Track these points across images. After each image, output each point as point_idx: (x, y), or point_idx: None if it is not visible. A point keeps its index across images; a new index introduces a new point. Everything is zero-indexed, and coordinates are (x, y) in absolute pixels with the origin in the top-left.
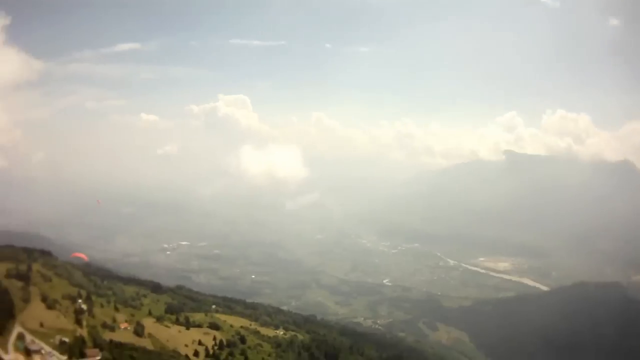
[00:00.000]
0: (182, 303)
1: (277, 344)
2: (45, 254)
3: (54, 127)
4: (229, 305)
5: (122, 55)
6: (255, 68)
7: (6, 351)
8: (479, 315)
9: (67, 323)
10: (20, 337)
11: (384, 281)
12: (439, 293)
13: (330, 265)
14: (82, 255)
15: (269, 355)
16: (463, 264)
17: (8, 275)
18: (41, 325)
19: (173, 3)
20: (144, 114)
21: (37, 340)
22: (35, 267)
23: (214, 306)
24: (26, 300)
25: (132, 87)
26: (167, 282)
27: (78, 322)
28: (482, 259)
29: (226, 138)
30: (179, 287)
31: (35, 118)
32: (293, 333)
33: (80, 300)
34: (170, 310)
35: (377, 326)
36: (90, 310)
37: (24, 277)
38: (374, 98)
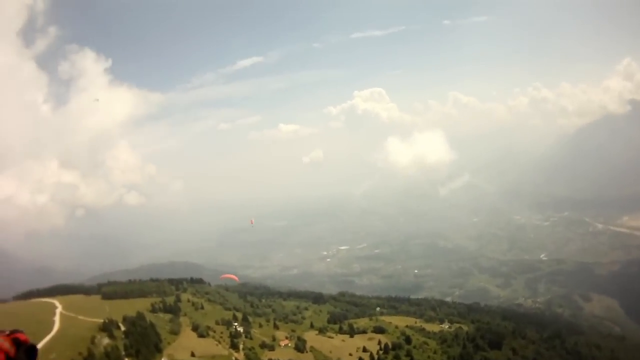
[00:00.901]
0: (345, 310)
1: (442, 339)
2: (195, 281)
3: (188, 154)
4: (393, 304)
5: (245, 72)
6: (382, 58)
7: None
8: (627, 279)
9: (221, 349)
10: None
11: (541, 256)
12: (591, 261)
13: (489, 248)
14: (233, 276)
15: (435, 353)
16: (610, 227)
17: (153, 310)
18: (192, 354)
19: (284, 12)
20: (283, 125)
21: None
22: (185, 297)
23: (378, 308)
24: (175, 332)
25: (263, 100)
26: (330, 289)
27: (234, 346)
28: (626, 218)
29: (369, 133)
30: (342, 294)
31: (166, 149)
32: (458, 325)
33: (235, 324)
34: (332, 319)
35: (537, 305)
36: (247, 332)
37: (172, 309)
38: (501, 67)
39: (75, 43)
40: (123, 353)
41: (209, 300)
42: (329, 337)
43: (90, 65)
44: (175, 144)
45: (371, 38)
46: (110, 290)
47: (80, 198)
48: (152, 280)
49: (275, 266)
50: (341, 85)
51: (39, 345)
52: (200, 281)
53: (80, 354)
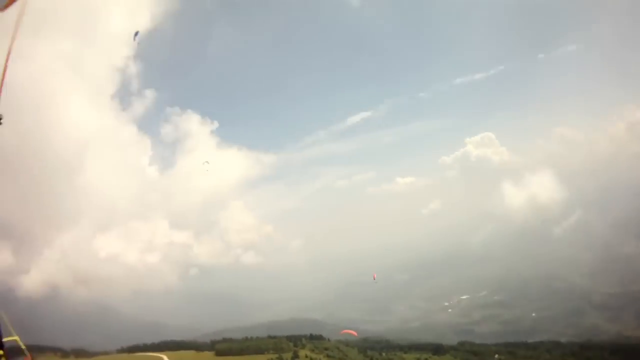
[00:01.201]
0: None
1: None
2: (314, 337)
3: (305, 212)
4: (512, 350)
5: (356, 127)
6: (487, 101)
7: None
8: None
9: None
10: None
11: None
12: None
13: (600, 283)
14: (352, 332)
15: None
16: None
17: None
18: None
19: (389, 65)
20: (400, 178)
21: None
22: (303, 353)
23: (496, 356)
24: None
25: (377, 155)
26: (451, 340)
27: None
28: None
29: (483, 179)
30: (461, 344)
31: (283, 208)
32: None
33: None
34: None
35: None
36: None
37: None
38: (596, 94)
39: (177, 106)
40: None
41: (328, 356)
42: None
43: (195, 128)
44: (292, 202)
45: (474, 82)
46: (225, 347)
47: (194, 258)
48: (269, 337)
49: (396, 319)
50: (452, 132)
51: None
52: (319, 337)
53: None
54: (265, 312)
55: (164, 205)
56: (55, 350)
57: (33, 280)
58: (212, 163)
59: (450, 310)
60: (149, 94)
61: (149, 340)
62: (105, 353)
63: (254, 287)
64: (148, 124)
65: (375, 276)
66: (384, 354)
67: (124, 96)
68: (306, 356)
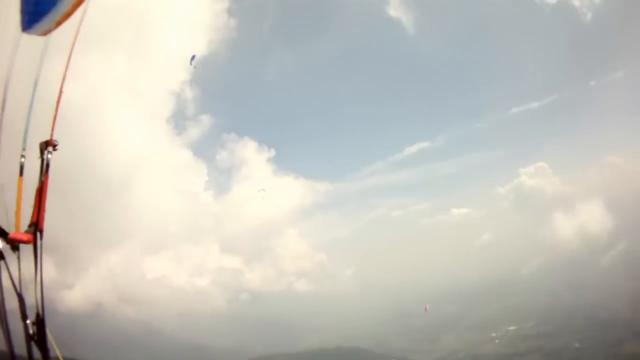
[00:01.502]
0: None
1: None
2: None
3: (359, 241)
4: None
5: (413, 158)
6: (541, 130)
7: None
8: None
9: None
10: None
11: None
12: None
13: None
14: None
15: None
16: None
17: None
18: None
19: (446, 94)
20: (455, 209)
21: None
22: None
23: None
24: None
25: (433, 186)
26: None
27: None
28: None
29: (536, 210)
30: None
31: (337, 237)
32: None
33: None
34: None
35: None
36: None
37: None
38: None
39: (233, 132)
40: None
41: None
42: None
43: (251, 155)
44: (346, 231)
45: (529, 111)
46: None
47: (245, 283)
48: None
49: (444, 349)
50: (508, 162)
51: None
52: None
53: None
54: (313, 338)
55: (216, 230)
56: None
57: (76, 296)
58: (267, 190)
59: (497, 341)
60: (205, 119)
61: None
62: None
63: (305, 313)
64: (203, 149)
65: (427, 307)
66: None
67: (179, 120)
68: None
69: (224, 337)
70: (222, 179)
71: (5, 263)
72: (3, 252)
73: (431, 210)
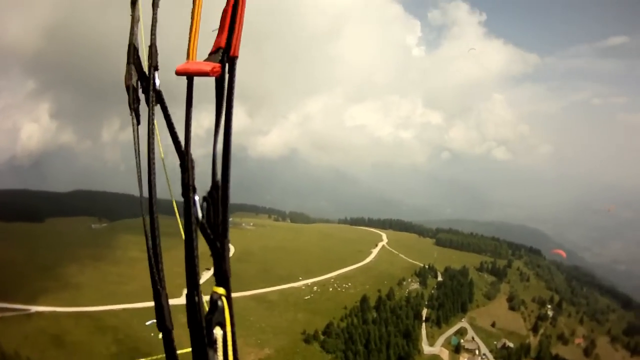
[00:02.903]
0: None
1: None
2: (533, 251)
3: (559, 121)
4: None
5: (615, 50)
6: None
7: (433, 343)
8: None
9: (522, 327)
10: (461, 332)
11: None
12: None
13: None
14: (561, 252)
15: None
16: None
17: (480, 269)
18: (493, 325)
19: None
20: None
21: (477, 339)
22: (516, 264)
23: None
24: (490, 296)
25: (631, 83)
26: None
27: (534, 328)
28: None
29: None
30: None
31: (539, 112)
32: None
33: (549, 306)
34: (628, 331)
35: None
36: (554, 318)
37: (498, 273)
38: None
39: None
40: (425, 302)
41: (537, 274)
42: (615, 349)
43: (463, 16)
44: (549, 108)
45: None
46: (446, 237)
47: (448, 141)
48: (492, 238)
49: (607, 257)
50: None
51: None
52: (537, 252)
53: (379, 291)
54: (500, 211)
55: (422, 85)
56: (272, 212)
57: (271, 141)
58: (475, 52)
59: None
60: None
61: (377, 214)
62: (326, 221)
63: (497, 182)
64: (416, 6)
65: (611, 209)
66: (584, 290)
67: None
68: (518, 268)
69: (417, 194)
70: (432, 35)
71: (165, 109)
72: (162, 94)
73: (628, 107)
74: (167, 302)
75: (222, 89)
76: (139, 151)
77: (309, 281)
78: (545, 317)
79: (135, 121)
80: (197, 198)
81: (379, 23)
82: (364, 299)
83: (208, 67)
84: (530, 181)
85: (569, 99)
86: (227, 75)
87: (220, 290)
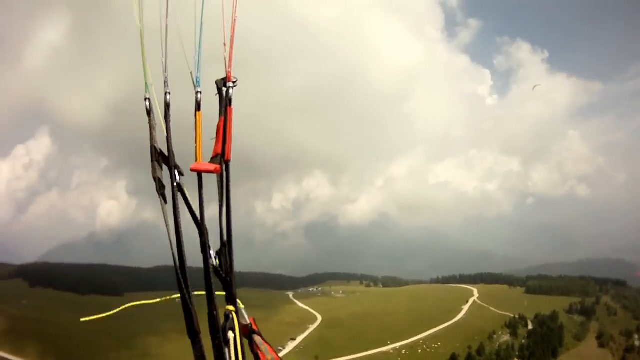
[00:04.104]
0: None
1: None
2: (618, 283)
3: (631, 147)
4: None
5: None
6: None
7: None
8: None
9: None
10: None
11: None
12: None
13: None
14: None
15: None
16: None
17: (570, 310)
18: None
19: None
20: None
21: None
22: (604, 300)
23: None
24: (579, 337)
25: None
26: None
27: None
28: None
29: None
30: None
31: (613, 140)
32: None
33: (636, 336)
34: None
35: None
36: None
37: (587, 312)
38: None
39: (505, 35)
40: (516, 354)
41: (623, 306)
42: None
43: (526, 57)
44: (619, 135)
45: None
46: (535, 284)
47: (532, 187)
48: (580, 277)
49: None
50: None
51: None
52: (623, 283)
53: (469, 347)
54: (585, 247)
55: (499, 134)
56: (365, 278)
57: (360, 208)
58: (542, 90)
59: None
60: (474, 23)
61: (469, 269)
62: (419, 282)
63: (581, 219)
64: (478, 54)
65: None
66: None
67: (449, 27)
68: (605, 304)
69: (506, 243)
70: (500, 82)
71: (184, 194)
72: (182, 184)
73: None
74: (194, 309)
75: (222, 182)
76: (168, 224)
77: (397, 345)
78: (632, 348)
79: (163, 203)
80: (212, 252)
81: (449, 77)
82: (453, 357)
83: (212, 167)
84: (611, 212)
85: (637, 122)
86: (224, 173)
87: (231, 307)
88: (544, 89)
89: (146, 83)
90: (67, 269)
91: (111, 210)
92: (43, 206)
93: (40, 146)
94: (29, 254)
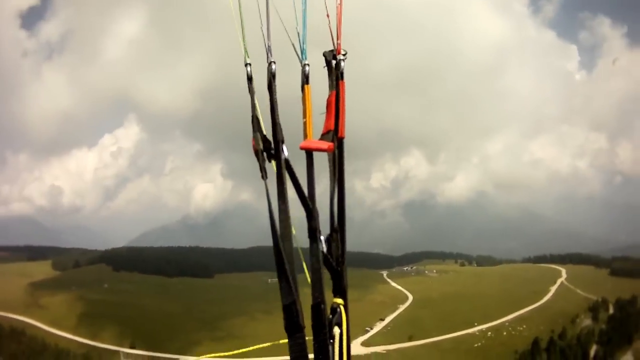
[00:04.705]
0: None
1: None
2: None
3: None
4: None
5: None
6: None
7: None
8: None
9: None
10: None
11: None
12: None
13: None
14: None
15: None
16: None
17: None
18: None
19: None
20: None
21: None
22: None
23: None
24: None
25: None
26: None
27: None
28: None
29: None
30: None
31: None
32: None
33: None
34: None
35: None
36: None
37: None
38: None
39: (586, 11)
40: (595, 339)
41: None
42: None
43: (608, 32)
44: None
45: None
46: (620, 266)
47: (619, 165)
48: None
49: None
50: None
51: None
52: None
53: (552, 331)
54: None
55: (588, 110)
56: (460, 257)
57: (458, 186)
58: (623, 65)
59: None
60: None
61: (560, 249)
62: (511, 262)
63: None
64: (563, 30)
65: None
66: None
67: (533, 1)
68: None
69: (595, 223)
70: (585, 58)
71: (293, 173)
72: (289, 160)
73: None
74: (299, 300)
75: (335, 161)
76: (270, 204)
77: (484, 326)
78: None
79: (266, 180)
80: (322, 237)
81: (537, 53)
82: (536, 342)
83: (325, 145)
84: None
85: None
86: (336, 151)
87: (339, 300)
88: (626, 64)
89: (245, 49)
90: (155, 252)
91: (206, 193)
92: (134, 192)
93: (130, 134)
94: (117, 240)
